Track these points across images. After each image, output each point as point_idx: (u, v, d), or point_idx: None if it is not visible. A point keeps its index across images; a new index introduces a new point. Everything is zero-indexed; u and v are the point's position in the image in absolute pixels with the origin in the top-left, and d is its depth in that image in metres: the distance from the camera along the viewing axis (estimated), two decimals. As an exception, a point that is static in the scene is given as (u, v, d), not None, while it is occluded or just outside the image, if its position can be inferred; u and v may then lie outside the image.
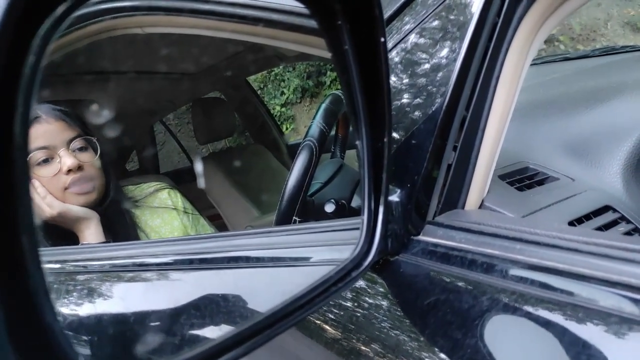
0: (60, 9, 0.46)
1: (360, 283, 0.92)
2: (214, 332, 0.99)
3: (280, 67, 7.60)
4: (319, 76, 7.80)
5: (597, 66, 2.10)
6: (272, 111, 6.82)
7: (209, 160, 3.51)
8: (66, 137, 1.68)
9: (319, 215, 1.37)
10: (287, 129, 7.78)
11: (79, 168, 1.67)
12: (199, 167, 3.31)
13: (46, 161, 1.65)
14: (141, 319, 1.12)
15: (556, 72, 2.09)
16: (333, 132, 1.69)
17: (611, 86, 1.55)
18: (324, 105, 1.46)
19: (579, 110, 1.44)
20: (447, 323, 0.76)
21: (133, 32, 1.50)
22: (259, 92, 6.77)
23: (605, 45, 6.49)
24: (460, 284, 0.80)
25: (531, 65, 1.02)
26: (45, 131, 1.64)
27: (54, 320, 0.46)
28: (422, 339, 0.79)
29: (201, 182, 3.20)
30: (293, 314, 0.70)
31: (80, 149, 1.71)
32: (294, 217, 1.31)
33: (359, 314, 0.89)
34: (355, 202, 1.49)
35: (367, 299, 0.90)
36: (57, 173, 1.65)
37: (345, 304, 0.92)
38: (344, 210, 1.40)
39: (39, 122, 1.64)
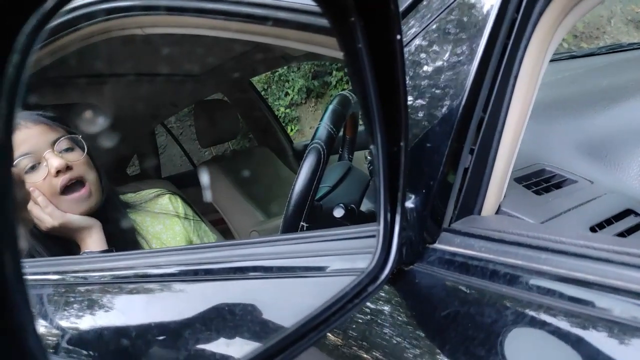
0: (49, 4, 0.41)
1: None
2: (220, 348, 0.94)
3: (285, 67, 7.56)
4: (324, 76, 7.75)
5: (609, 64, 2.06)
6: (276, 112, 6.79)
7: (211, 163, 3.47)
8: (49, 139, 1.63)
9: (328, 220, 1.34)
10: (292, 130, 7.75)
11: (68, 168, 1.62)
12: (204, 178, 3.25)
13: (33, 167, 1.61)
14: (144, 333, 1.08)
15: (565, 71, 2.05)
16: (340, 134, 1.65)
17: (628, 84, 1.50)
18: (331, 107, 1.42)
19: (595, 110, 1.40)
20: (469, 338, 0.72)
21: (132, 33, 1.45)
22: (262, 93, 6.75)
23: (610, 42, 6.46)
24: (481, 296, 0.75)
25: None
26: (27, 136, 1.60)
27: (38, 346, 0.42)
28: (441, 356, 0.75)
29: (207, 196, 3.14)
30: (308, 335, 0.66)
31: (67, 150, 1.66)
32: (302, 223, 1.27)
33: (371, 327, 0.85)
34: (364, 206, 1.45)
35: (380, 311, 0.86)
36: (47, 177, 1.60)
37: (356, 315, 0.87)
38: (353, 215, 1.37)
39: (17, 128, 1.59)
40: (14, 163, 1.56)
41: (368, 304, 0.86)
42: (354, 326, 0.87)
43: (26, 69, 0.39)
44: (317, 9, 0.86)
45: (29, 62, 0.39)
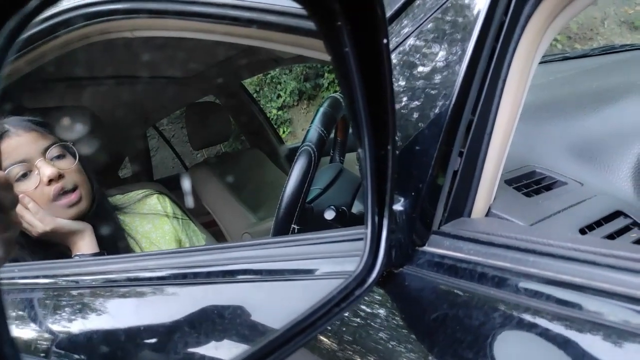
0: (31, 4, 0.41)
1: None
2: (209, 351, 0.94)
3: (277, 69, 7.55)
4: (316, 78, 7.74)
5: (601, 66, 2.06)
6: (268, 115, 6.79)
7: (203, 166, 3.46)
8: (41, 147, 1.62)
9: (319, 222, 1.33)
10: (284, 132, 7.73)
11: (60, 176, 1.62)
12: (186, 184, 3.24)
13: (25, 175, 1.60)
14: (134, 336, 1.08)
15: (557, 72, 2.05)
16: (332, 136, 1.65)
17: (619, 86, 1.50)
18: (322, 109, 1.42)
19: (585, 112, 1.40)
20: (458, 341, 0.72)
21: (122, 36, 1.45)
22: (254, 95, 6.76)
23: (603, 44, 6.47)
24: (470, 298, 0.76)
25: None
26: (18, 144, 1.59)
27: (13, 354, 0.42)
28: (430, 357, 0.75)
29: (189, 201, 3.12)
30: (294, 339, 0.66)
31: (58, 157, 1.65)
32: (293, 225, 1.27)
33: (362, 329, 0.85)
34: (355, 208, 1.45)
35: (369, 313, 0.86)
36: (39, 185, 1.60)
37: (345, 318, 0.87)
38: (345, 217, 1.37)
39: (8, 136, 1.59)
40: (6, 171, 1.55)
41: (361, 306, 0.86)
42: (344, 329, 0.87)
43: (3, 70, 0.39)
44: (304, 12, 0.86)
45: (7, 64, 0.39)
